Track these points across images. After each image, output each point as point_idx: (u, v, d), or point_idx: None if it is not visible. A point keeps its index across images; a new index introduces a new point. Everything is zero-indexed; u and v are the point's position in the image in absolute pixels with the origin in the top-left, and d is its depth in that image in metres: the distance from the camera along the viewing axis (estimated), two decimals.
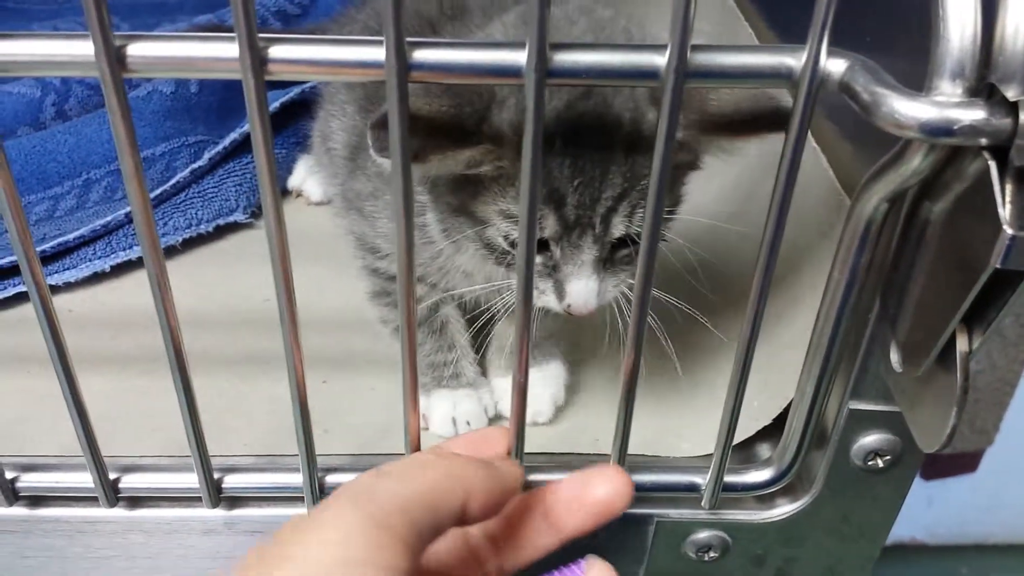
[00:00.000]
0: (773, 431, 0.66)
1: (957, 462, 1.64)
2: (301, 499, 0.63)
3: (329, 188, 0.96)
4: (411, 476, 0.47)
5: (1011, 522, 1.69)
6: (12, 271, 0.85)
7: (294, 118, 1.04)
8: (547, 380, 0.76)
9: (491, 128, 0.57)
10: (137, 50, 0.44)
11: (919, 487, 1.49)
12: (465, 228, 0.63)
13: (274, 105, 1.00)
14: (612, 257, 0.62)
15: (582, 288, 0.61)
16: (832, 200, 0.68)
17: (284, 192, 1.02)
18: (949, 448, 0.50)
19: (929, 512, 1.67)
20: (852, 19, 0.56)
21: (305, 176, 1.01)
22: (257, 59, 0.43)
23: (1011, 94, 0.41)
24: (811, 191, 0.68)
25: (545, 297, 0.63)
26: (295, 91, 1.02)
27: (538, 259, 0.61)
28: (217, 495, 0.63)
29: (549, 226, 0.59)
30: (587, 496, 0.54)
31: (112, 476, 0.63)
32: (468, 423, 0.72)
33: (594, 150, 0.57)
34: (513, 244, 0.61)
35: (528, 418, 0.62)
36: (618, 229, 0.59)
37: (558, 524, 0.54)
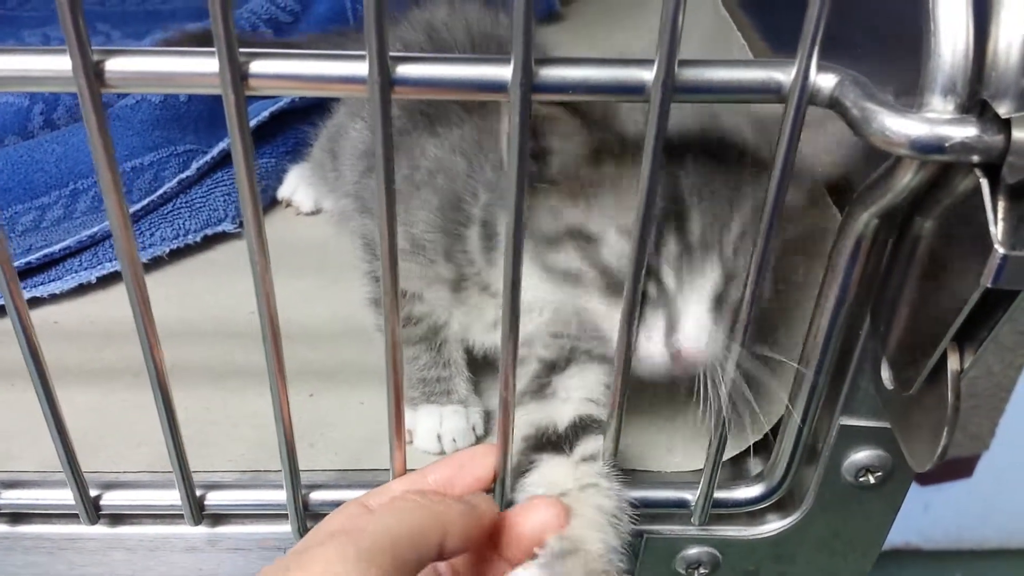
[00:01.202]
0: (764, 446, 0.65)
1: (953, 467, 1.64)
2: (285, 516, 0.62)
3: (329, 196, 0.94)
4: (397, 516, 0.50)
5: (1006, 527, 1.69)
6: None
7: (284, 127, 1.03)
8: None
9: (619, 124, 0.54)
10: (115, 65, 0.44)
11: (915, 492, 1.49)
12: (568, 256, 0.58)
13: (264, 114, 0.99)
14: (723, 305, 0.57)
15: (700, 319, 0.55)
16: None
17: (274, 202, 1.01)
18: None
19: (925, 517, 1.67)
20: (843, 32, 0.56)
21: (296, 185, 1.00)
22: (237, 74, 0.43)
23: (1003, 111, 0.40)
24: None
25: (650, 344, 0.56)
26: (285, 100, 1.01)
27: (651, 289, 0.56)
28: (200, 512, 0.62)
29: (669, 245, 0.54)
30: (523, 529, 0.57)
31: (93, 493, 0.62)
32: (454, 440, 0.71)
33: (725, 170, 0.55)
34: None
35: None
36: (743, 258, 0.54)
37: (506, 555, 0.57)
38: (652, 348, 0.57)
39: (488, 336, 0.71)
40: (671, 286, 0.56)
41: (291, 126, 1.03)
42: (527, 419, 0.66)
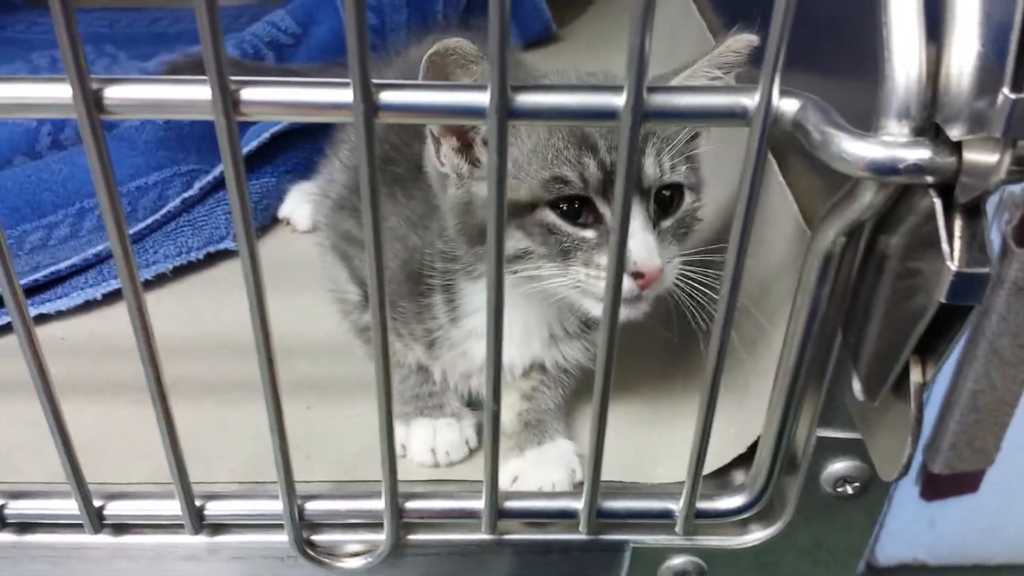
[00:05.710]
0: (749, 457, 0.67)
1: (958, 483, 1.63)
2: (282, 526, 0.64)
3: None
4: None
5: (1014, 542, 1.68)
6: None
7: (286, 147, 1.05)
8: (560, 458, 0.72)
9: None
10: (114, 93, 0.46)
11: (921, 508, 1.49)
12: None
13: (265, 135, 1.01)
14: (659, 225, 0.62)
15: (640, 240, 0.59)
16: (798, 234, 0.68)
17: (275, 220, 1.04)
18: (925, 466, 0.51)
19: (931, 533, 1.66)
20: (809, 57, 0.58)
21: (296, 205, 1.03)
22: (229, 101, 0.45)
23: (955, 134, 0.42)
24: (777, 225, 0.69)
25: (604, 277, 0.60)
26: (286, 122, 1.03)
27: (590, 234, 0.61)
28: (199, 522, 0.64)
29: (591, 174, 0.59)
30: None
31: (97, 503, 0.64)
32: (448, 453, 0.73)
33: None
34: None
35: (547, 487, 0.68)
36: (653, 170, 0.59)
37: None
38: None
39: (470, 382, 0.76)
40: (607, 217, 0.60)
41: (292, 147, 1.06)
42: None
